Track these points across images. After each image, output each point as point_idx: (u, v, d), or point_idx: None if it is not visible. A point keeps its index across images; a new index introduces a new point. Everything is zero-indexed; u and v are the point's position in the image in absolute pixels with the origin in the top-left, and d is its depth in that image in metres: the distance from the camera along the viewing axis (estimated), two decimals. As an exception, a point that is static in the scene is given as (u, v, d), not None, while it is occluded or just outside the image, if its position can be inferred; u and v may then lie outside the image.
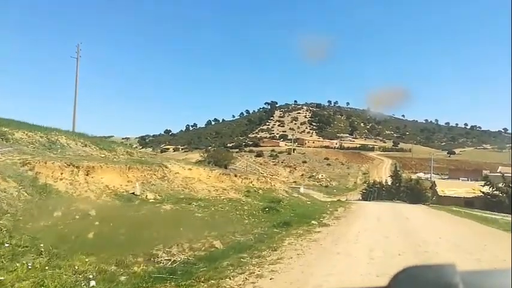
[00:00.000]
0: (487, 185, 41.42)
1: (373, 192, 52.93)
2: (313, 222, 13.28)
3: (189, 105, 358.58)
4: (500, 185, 40.82)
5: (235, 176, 23.90)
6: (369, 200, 51.06)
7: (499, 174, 43.23)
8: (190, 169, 21.99)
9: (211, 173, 22.49)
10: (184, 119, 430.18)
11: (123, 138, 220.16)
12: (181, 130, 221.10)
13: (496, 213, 28.41)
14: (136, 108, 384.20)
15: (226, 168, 26.60)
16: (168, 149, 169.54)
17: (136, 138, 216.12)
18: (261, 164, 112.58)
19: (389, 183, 55.65)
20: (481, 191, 41.63)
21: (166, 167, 17.82)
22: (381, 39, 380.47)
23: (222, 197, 16.97)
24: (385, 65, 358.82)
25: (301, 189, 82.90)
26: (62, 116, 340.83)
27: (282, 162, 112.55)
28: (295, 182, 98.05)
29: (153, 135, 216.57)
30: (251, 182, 24.32)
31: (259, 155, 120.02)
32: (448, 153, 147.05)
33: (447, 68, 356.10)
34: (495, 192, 40.74)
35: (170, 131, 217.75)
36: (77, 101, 41.68)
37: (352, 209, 23.84)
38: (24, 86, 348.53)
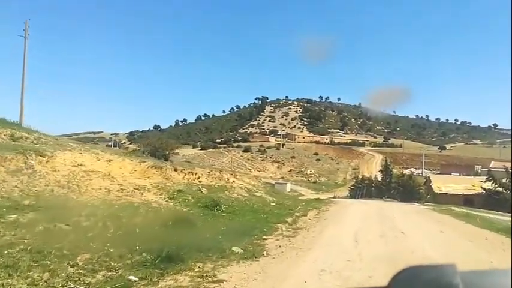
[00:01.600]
0: (489, 180, 35.75)
1: (362, 189, 46.99)
2: (234, 249, 7.23)
3: (180, 101, 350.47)
4: (504, 180, 35.20)
5: (176, 170, 17.80)
6: (357, 198, 45.26)
7: (503, 168, 37.39)
8: (109, 160, 15.91)
9: (140, 165, 16.45)
10: (174, 115, 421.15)
11: (111, 134, 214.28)
12: (171, 126, 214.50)
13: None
14: (126, 104, 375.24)
15: (166, 160, 20.57)
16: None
17: (125, 134, 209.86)
18: (248, 159, 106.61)
19: (379, 179, 49.55)
20: (481, 188, 35.97)
21: (42, 156, 11.79)
22: (373, 38, 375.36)
23: (124, 200, 11.02)
24: (376, 63, 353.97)
25: (288, 187, 77.57)
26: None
27: (270, 158, 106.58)
28: (282, 177, 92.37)
29: (142, 131, 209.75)
30: (197, 178, 18.28)
31: (247, 150, 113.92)
32: (439, 148, 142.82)
33: (438, 65, 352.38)
34: (498, 188, 35.12)
35: (159, 126, 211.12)
36: (25, 89, 34.32)
37: (329, 212, 18.09)
38: None
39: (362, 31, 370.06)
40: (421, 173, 68.06)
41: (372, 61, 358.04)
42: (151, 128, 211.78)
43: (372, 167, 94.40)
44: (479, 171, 63.48)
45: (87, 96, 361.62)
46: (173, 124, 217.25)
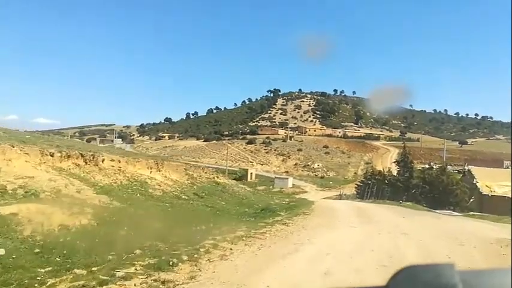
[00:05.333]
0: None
1: (372, 186, 35.29)
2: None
3: (192, 94, 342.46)
4: None
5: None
6: (365, 198, 33.82)
7: None
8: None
9: None
10: (186, 108, 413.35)
11: (123, 127, 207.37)
12: (182, 118, 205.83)
13: None
14: (139, 97, 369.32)
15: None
16: (163, 136, 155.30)
17: (136, 126, 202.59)
18: (251, 151, 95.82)
19: (394, 173, 36.60)
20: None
21: None
22: (390, 30, 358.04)
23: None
24: (393, 55, 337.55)
25: (290, 182, 66.41)
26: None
27: (275, 150, 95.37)
28: (286, 172, 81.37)
29: (153, 124, 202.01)
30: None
31: (251, 142, 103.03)
32: (459, 143, 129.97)
33: (458, 60, 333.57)
34: None
35: (170, 119, 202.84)
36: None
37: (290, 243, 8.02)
38: None
39: (380, 24, 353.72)
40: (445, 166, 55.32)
41: (389, 54, 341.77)
42: (162, 121, 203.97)
43: (387, 162, 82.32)
44: (509, 166, 53.32)
45: (101, 90, 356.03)
46: (184, 117, 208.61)
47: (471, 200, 27.28)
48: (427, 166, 33.45)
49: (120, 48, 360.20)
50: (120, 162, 17.56)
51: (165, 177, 17.98)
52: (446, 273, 0.71)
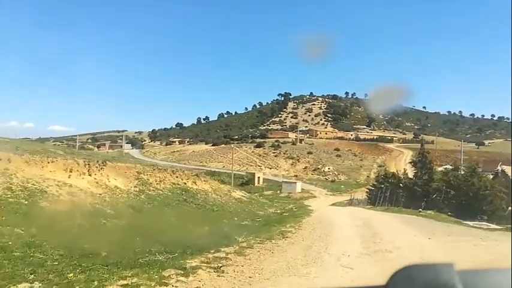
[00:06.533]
0: None
1: (385, 191, 31.41)
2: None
3: (203, 99, 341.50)
4: None
5: None
6: (377, 204, 30.03)
7: None
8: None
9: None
10: (197, 113, 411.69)
11: (135, 132, 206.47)
12: (193, 123, 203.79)
13: None
14: (150, 103, 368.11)
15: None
16: (174, 141, 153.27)
17: (148, 132, 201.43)
18: (259, 155, 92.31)
19: (410, 175, 31.79)
20: None
21: None
22: (401, 30, 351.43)
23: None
24: (405, 55, 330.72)
25: (298, 187, 62.64)
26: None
27: (284, 154, 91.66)
28: (296, 175, 77.58)
29: (164, 129, 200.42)
30: None
31: (259, 145, 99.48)
32: (476, 144, 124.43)
33: (473, 60, 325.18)
34: None
35: (181, 124, 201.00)
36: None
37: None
38: None
39: (394, 24, 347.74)
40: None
41: (401, 55, 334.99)
42: (174, 126, 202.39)
43: (401, 165, 77.94)
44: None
45: (113, 97, 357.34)
46: (195, 122, 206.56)
47: (510, 208, 22.30)
48: (449, 167, 28.19)
49: (131, 56, 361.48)
50: (10, 161, 12.73)
51: (97, 183, 14.01)
52: (446, 273, 0.69)
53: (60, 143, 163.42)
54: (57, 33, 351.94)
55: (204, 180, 25.69)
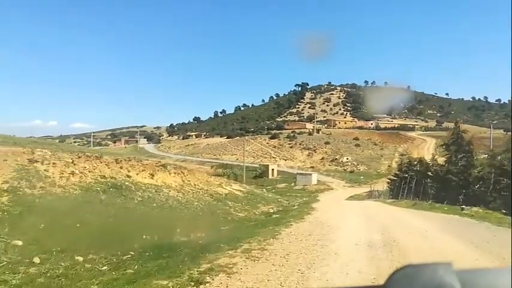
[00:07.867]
0: None
1: (409, 181, 26.23)
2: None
3: (220, 93, 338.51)
4: None
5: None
6: (401, 197, 25.74)
7: None
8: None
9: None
10: (215, 106, 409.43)
11: (154, 128, 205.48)
12: (210, 117, 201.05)
13: None
14: (169, 99, 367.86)
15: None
16: (191, 135, 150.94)
17: (166, 127, 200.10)
18: (274, 146, 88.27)
19: (440, 161, 25.59)
20: None
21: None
22: (425, 16, 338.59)
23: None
24: (428, 41, 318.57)
25: (314, 178, 58.35)
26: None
27: (300, 144, 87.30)
28: (312, 167, 73.28)
29: (182, 123, 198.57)
30: None
31: (274, 136, 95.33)
32: (504, 130, 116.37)
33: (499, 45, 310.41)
34: None
35: (199, 118, 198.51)
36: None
37: None
38: None
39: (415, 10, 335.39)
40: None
41: (421, 41, 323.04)
42: (191, 120, 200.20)
43: (424, 153, 72.53)
44: None
45: (132, 93, 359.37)
46: (212, 115, 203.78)
47: None
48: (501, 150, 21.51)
49: (149, 54, 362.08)
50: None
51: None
52: (444, 273, 0.68)
53: (80, 140, 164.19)
54: (77, 33, 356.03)
55: (175, 173, 21.52)
